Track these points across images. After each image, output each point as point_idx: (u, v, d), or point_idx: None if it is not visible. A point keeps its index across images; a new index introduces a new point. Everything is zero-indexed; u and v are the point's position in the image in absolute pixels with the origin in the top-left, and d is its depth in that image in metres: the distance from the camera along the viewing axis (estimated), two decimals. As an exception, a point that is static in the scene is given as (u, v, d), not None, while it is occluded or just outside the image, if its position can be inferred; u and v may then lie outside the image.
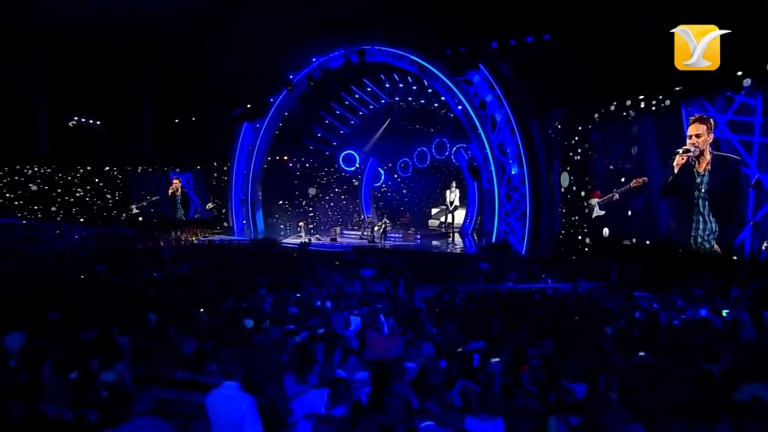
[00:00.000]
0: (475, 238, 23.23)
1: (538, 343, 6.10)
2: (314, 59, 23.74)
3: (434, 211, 27.58)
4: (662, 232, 13.88)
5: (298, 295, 10.24)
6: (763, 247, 10.73)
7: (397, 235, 23.34)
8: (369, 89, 25.04)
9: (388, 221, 24.44)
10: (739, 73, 11.15)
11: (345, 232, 25.49)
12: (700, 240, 12.63)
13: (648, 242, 14.44)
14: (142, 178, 30.45)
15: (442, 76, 19.46)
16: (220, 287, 11.10)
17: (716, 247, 12.34)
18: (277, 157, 28.02)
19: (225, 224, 29.50)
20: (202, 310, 8.47)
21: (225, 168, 29.11)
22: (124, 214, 30.05)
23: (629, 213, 14.24)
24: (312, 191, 27.72)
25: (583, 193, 16.32)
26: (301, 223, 24.51)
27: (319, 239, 23.22)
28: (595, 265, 14.96)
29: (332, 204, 28.60)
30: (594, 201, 14.23)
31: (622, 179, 14.35)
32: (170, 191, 30.43)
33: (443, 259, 17.99)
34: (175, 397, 4.68)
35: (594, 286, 13.09)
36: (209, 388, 5.56)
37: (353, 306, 9.50)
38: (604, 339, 6.09)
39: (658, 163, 13.90)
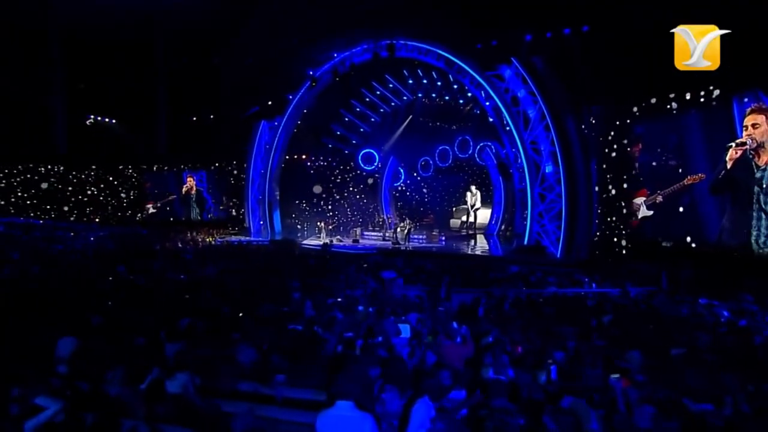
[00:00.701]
0: (501, 240, 22.76)
1: (622, 354, 5.67)
2: (336, 55, 23.42)
3: (456, 210, 27.17)
4: (711, 233, 13.33)
5: (339, 299, 9.86)
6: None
7: (421, 237, 22.92)
8: (391, 86, 24.65)
9: (410, 222, 24.04)
10: None
11: (365, 233, 25.11)
12: (763, 240, 12.06)
13: (694, 244, 13.91)
14: (156, 177, 30.32)
15: (472, 71, 19.01)
16: (251, 290, 10.75)
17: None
18: (295, 156, 27.74)
19: (240, 225, 29.29)
20: (241, 315, 8.13)
21: (240, 167, 28.92)
22: (139, 214, 29.94)
23: (677, 212, 13.65)
24: (317, 189, 27.38)
25: (613, 191, 15.75)
26: (320, 224, 24.17)
27: (340, 240, 22.87)
28: (639, 269, 14.44)
29: (352, 204, 28.24)
30: (640, 200, 13.67)
31: (668, 176, 13.80)
32: (184, 190, 30.26)
33: (475, 261, 17.55)
34: (246, 410, 4.32)
35: (644, 291, 12.59)
36: (275, 401, 5.25)
37: (397, 312, 9.12)
38: (702, 353, 5.63)
39: (706, 158, 13.34)
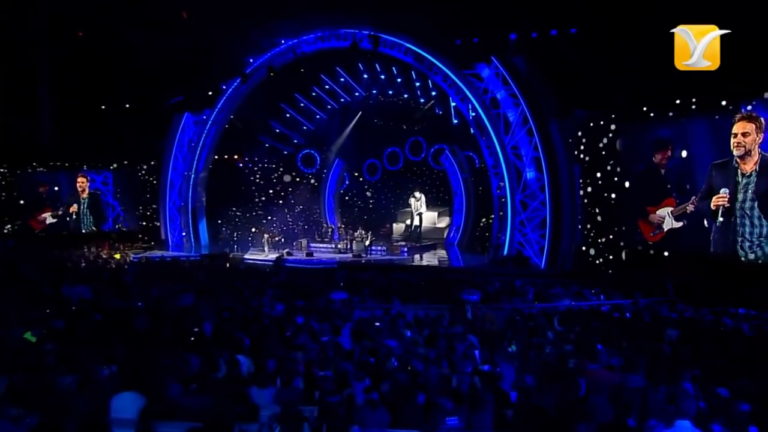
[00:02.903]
0: (462, 250, 22.49)
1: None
2: (283, 41, 21.51)
3: (400, 215, 26.52)
4: (702, 242, 13.93)
5: (378, 324, 8.47)
6: None
7: (380, 248, 21.81)
8: (342, 80, 23.28)
9: (364, 233, 22.87)
10: None
11: (312, 244, 23.35)
12: (748, 245, 12.78)
13: (681, 253, 14.53)
14: (39, 177, 25.47)
15: (446, 69, 18.38)
16: (232, 318, 8.99)
17: (772, 254, 12.57)
18: (226, 156, 25.10)
19: (155, 237, 25.77)
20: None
21: (156, 167, 25.52)
22: (32, 223, 24.87)
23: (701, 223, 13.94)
24: (287, 178, 25.29)
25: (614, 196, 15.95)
26: (265, 236, 21.94)
27: (290, 254, 20.92)
28: (626, 280, 14.82)
29: (292, 212, 26.24)
30: (666, 210, 13.84)
31: (668, 186, 14.23)
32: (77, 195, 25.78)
33: (456, 274, 16.87)
34: None
35: (652, 302, 12.83)
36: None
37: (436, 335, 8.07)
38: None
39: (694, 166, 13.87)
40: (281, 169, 26.25)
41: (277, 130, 24.73)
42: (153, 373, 4.97)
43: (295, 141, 25.40)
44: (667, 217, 13.44)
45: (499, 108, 17.80)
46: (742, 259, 12.71)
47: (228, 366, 5.55)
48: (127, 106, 23.84)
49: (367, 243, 21.22)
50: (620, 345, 7.46)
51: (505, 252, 17.79)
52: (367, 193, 27.53)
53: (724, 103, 12.98)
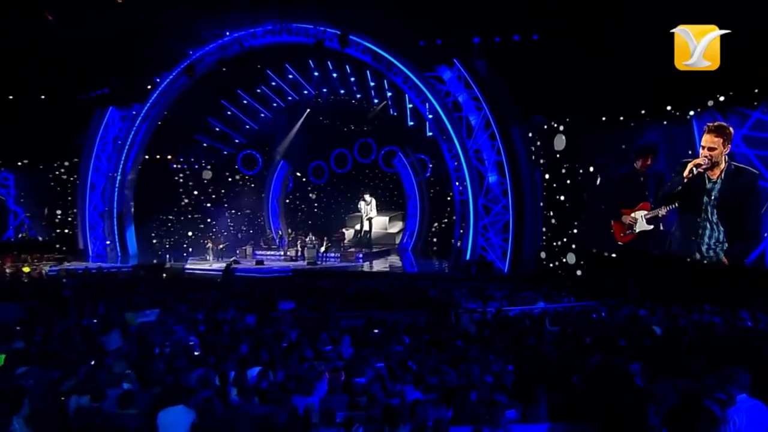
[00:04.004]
0: (417, 255, 22.53)
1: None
2: (228, 33, 20.28)
3: (349, 220, 26.07)
4: (662, 243, 14.93)
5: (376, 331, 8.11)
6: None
7: (334, 255, 21.18)
8: (291, 77, 22.40)
9: (315, 237, 22.13)
10: (756, 91, 12.63)
11: (258, 251, 22.18)
12: (705, 248, 13.88)
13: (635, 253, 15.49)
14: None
15: (406, 70, 18.26)
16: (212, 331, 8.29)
17: (724, 258, 13.73)
18: (158, 156, 23.17)
19: (70, 247, 23.14)
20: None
21: (73, 168, 23.02)
22: None
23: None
24: (207, 174, 23.63)
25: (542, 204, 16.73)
26: (209, 244, 20.43)
27: (237, 262, 19.65)
28: (588, 282, 15.57)
29: (233, 217, 24.78)
30: (640, 213, 14.54)
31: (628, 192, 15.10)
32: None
33: (426, 279, 16.73)
34: None
35: (616, 302, 13.52)
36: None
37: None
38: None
39: (667, 174, 14.60)
40: (218, 171, 24.75)
41: (217, 129, 23.28)
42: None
43: (237, 141, 24.07)
44: (640, 220, 14.18)
45: (461, 111, 17.98)
46: (702, 260, 13.71)
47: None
48: (42, 97, 21.20)
49: (323, 249, 20.54)
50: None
51: (468, 257, 17.97)
52: (311, 196, 26.78)
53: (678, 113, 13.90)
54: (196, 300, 12.16)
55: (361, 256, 21.06)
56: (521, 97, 17.42)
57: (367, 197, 24.38)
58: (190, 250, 22.51)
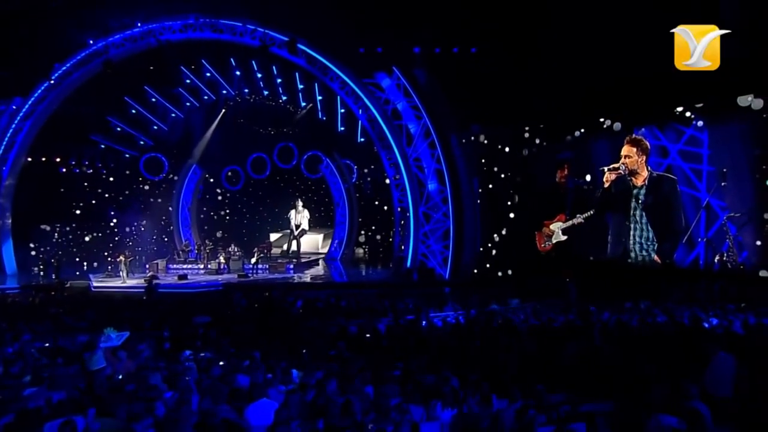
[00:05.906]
0: (345, 265, 22.48)
1: None
2: (139, 24, 18.61)
3: (274, 237, 25.05)
4: (596, 246, 16.68)
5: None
6: (716, 260, 14.52)
7: (262, 266, 20.29)
8: (208, 75, 21.11)
9: (237, 248, 21.11)
10: (688, 114, 14.61)
11: (172, 266, 20.52)
12: (638, 247, 15.87)
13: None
14: None
15: (344, 76, 18.25)
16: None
17: (656, 257, 15.77)
18: (43, 159, 20.43)
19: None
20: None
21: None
22: None
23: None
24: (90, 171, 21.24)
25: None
26: (120, 258, 18.37)
27: (156, 278, 17.99)
28: (528, 285, 16.93)
29: (134, 227, 22.63)
30: (557, 225, 15.80)
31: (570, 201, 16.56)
32: None
33: (373, 288, 16.82)
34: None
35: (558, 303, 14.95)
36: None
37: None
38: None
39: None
40: (117, 176, 22.53)
41: (119, 129, 21.19)
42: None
43: (142, 143, 22.10)
44: (556, 231, 15.46)
45: (400, 119, 18.43)
46: (634, 259, 15.63)
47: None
48: None
49: (253, 261, 19.67)
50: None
51: (409, 264, 18.47)
52: (221, 199, 25.45)
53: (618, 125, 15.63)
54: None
55: (291, 267, 20.54)
56: (460, 106, 18.29)
57: (299, 205, 22.72)
58: (95, 265, 20.23)
